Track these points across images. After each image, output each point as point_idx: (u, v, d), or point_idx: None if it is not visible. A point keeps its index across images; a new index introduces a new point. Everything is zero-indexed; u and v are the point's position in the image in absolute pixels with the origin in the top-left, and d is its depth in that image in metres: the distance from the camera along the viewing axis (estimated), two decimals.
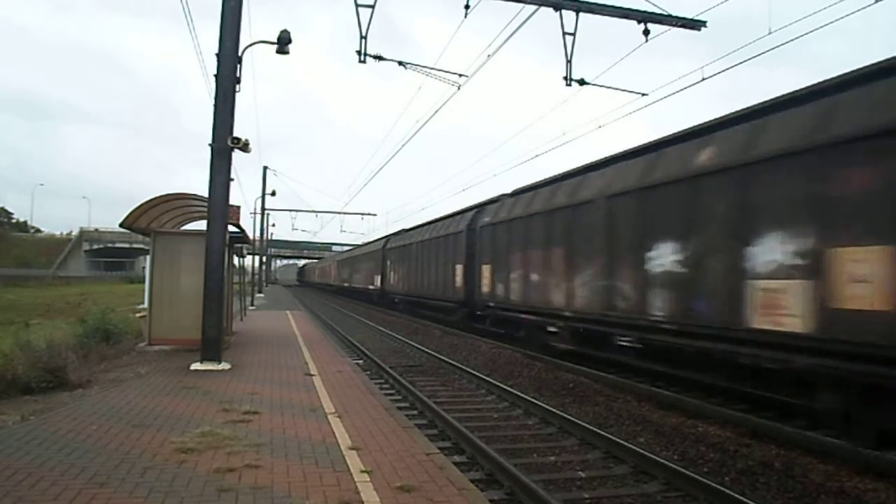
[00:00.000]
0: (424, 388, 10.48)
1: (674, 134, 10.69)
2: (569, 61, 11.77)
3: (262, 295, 43.10)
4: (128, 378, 9.21)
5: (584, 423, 7.79)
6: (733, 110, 9.28)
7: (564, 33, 11.60)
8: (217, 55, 10.40)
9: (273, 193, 42.96)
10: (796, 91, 8.15)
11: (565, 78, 11.97)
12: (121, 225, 12.23)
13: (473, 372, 11.99)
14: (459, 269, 20.19)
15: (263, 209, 45.60)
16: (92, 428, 6.03)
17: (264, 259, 58.03)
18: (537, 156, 26.49)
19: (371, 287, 37.94)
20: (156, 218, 12.85)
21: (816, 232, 7.08)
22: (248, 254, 30.76)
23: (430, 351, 15.35)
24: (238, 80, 10.54)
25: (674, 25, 11.65)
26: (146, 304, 12.36)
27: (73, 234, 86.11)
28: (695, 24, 11.81)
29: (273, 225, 59.89)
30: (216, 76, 10.44)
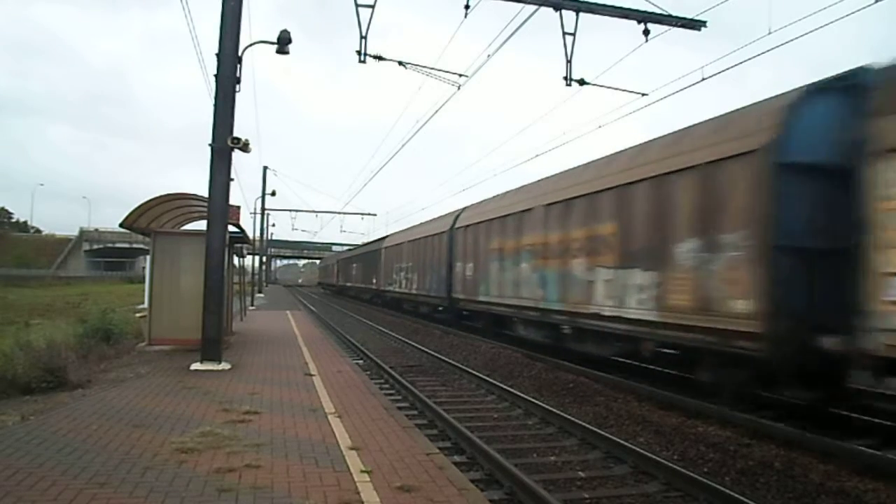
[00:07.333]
0: (424, 388, 10.47)
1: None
2: (569, 61, 11.78)
3: (262, 295, 43.11)
4: (128, 378, 9.21)
5: (584, 423, 7.78)
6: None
7: (564, 33, 11.61)
8: (217, 55, 10.41)
9: (273, 193, 43.05)
10: None
11: (565, 78, 11.98)
12: (121, 225, 12.23)
13: (473, 372, 11.99)
14: None
15: (263, 209, 45.68)
16: (92, 428, 6.03)
17: (264, 259, 58.01)
18: (537, 156, 25.99)
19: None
20: (156, 218, 12.85)
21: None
22: (248, 254, 30.73)
23: (430, 351, 15.35)
24: (238, 80, 10.55)
25: (674, 25, 11.66)
26: (146, 305, 12.36)
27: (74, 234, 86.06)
28: (695, 24, 11.82)
29: (273, 225, 60.01)
30: (216, 76, 10.45)
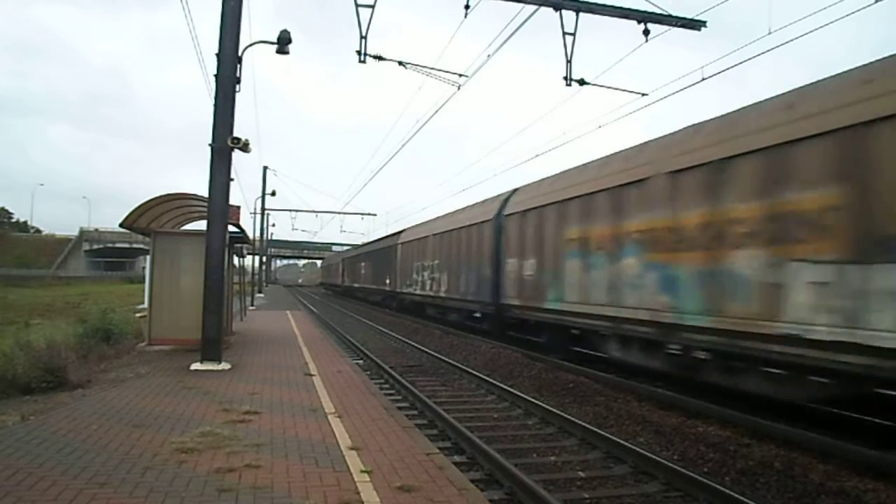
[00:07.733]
0: (424, 388, 10.47)
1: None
2: (569, 61, 11.80)
3: (262, 295, 43.12)
4: (128, 378, 9.21)
5: (584, 423, 7.78)
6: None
7: (564, 33, 11.62)
8: (217, 55, 10.42)
9: (273, 193, 43.08)
10: None
11: (565, 78, 11.99)
12: (121, 225, 12.23)
13: (473, 372, 11.99)
14: None
15: (263, 209, 45.72)
16: (92, 428, 6.04)
17: (264, 259, 58.03)
18: (537, 156, 25.86)
19: None
20: (156, 218, 12.85)
21: None
22: (248, 254, 30.69)
23: (430, 351, 15.35)
24: (238, 80, 10.55)
25: (674, 25, 11.67)
26: (146, 305, 12.37)
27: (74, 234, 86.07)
28: (695, 24, 11.83)
29: (273, 225, 60.06)
30: (216, 76, 10.45)
